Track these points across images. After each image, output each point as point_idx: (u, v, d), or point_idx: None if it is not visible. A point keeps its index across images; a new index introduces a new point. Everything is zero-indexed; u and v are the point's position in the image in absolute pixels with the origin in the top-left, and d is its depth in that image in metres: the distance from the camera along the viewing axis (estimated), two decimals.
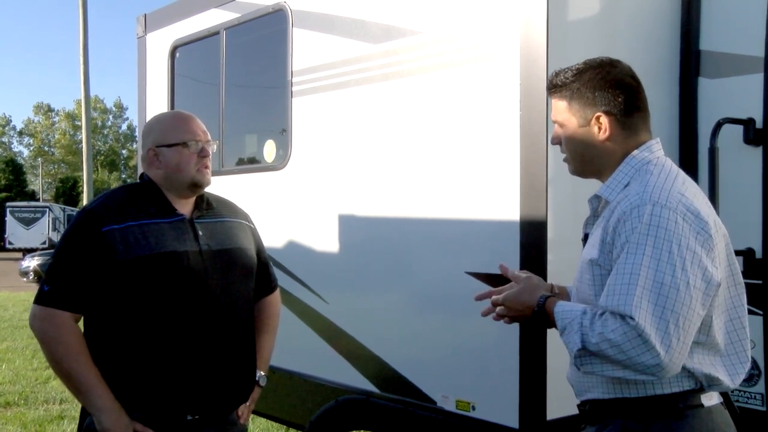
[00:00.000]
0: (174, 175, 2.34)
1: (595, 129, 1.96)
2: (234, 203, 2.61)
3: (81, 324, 2.29)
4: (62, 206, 41.43)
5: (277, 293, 2.71)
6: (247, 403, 2.50)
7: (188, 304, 2.25)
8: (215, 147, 2.44)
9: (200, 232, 2.34)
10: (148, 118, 4.97)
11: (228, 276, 2.35)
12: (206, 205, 2.43)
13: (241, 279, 2.41)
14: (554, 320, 1.88)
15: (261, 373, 2.55)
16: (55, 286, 2.21)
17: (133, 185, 2.44)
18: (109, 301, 2.23)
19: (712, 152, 2.75)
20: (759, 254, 2.76)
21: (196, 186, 2.36)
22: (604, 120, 1.95)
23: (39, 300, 2.22)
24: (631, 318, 1.70)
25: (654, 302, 1.71)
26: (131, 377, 2.23)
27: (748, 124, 2.79)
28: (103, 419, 2.18)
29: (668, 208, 1.77)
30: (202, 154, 2.35)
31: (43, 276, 2.25)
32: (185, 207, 2.38)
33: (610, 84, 1.95)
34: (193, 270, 2.27)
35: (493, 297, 2.03)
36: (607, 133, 1.95)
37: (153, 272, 2.21)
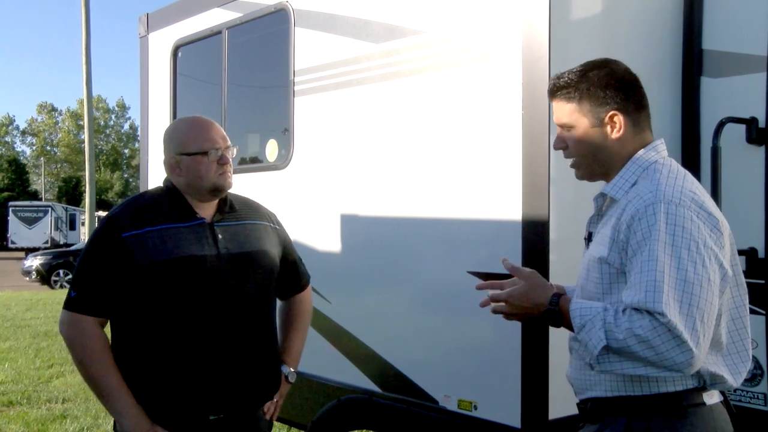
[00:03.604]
0: (195, 182, 2.36)
1: (608, 128, 1.95)
2: (259, 204, 2.62)
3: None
4: (64, 206, 41.45)
5: (308, 291, 2.73)
6: (274, 399, 2.54)
7: (205, 307, 2.28)
8: (235, 151, 2.46)
9: (219, 236, 2.36)
10: (151, 117, 5.01)
11: (247, 278, 2.37)
12: (229, 208, 2.44)
13: (261, 281, 2.43)
14: (569, 318, 1.86)
15: (290, 369, 2.58)
16: (81, 292, 2.26)
17: (156, 190, 2.48)
18: (132, 305, 2.27)
19: (715, 151, 2.74)
20: (761, 254, 2.75)
21: (217, 190, 2.38)
22: (619, 118, 1.94)
23: (67, 305, 2.27)
24: (661, 314, 1.70)
25: (680, 299, 1.71)
26: (154, 379, 2.26)
27: (750, 123, 2.78)
28: (124, 422, 2.23)
29: (683, 206, 1.78)
30: (222, 161, 2.36)
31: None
32: (207, 210, 2.40)
33: (618, 81, 1.95)
34: (210, 273, 2.29)
35: (493, 293, 2.00)
36: (621, 131, 1.95)
37: (171, 276, 2.24)
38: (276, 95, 4.04)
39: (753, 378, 2.76)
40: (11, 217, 37.12)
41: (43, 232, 36.75)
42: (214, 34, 4.39)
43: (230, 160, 2.40)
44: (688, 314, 1.71)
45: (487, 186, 2.88)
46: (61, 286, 19.72)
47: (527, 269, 2.03)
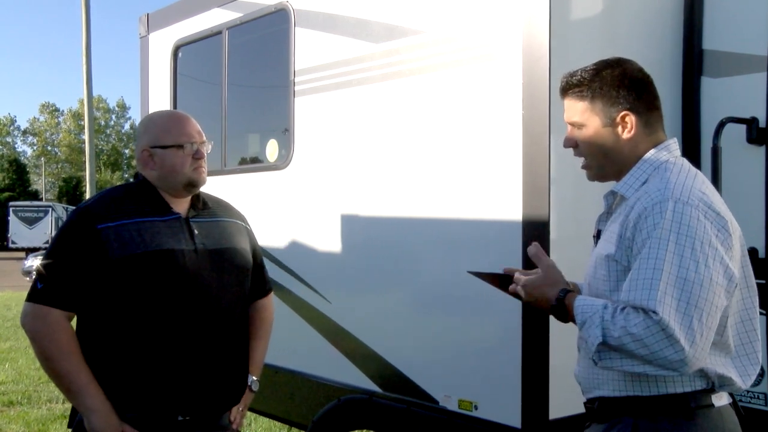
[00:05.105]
0: (169, 175, 2.32)
1: (619, 128, 1.95)
2: (230, 204, 2.59)
3: (74, 323, 2.27)
4: (65, 206, 41.46)
5: (270, 297, 2.68)
6: (240, 408, 2.47)
7: (182, 303, 2.24)
8: (210, 147, 2.43)
9: (196, 231, 2.33)
10: None
11: (223, 275, 2.34)
12: (202, 205, 2.41)
13: (236, 279, 2.40)
14: (573, 314, 1.87)
15: (253, 378, 2.52)
16: (49, 284, 2.18)
17: (128, 184, 2.43)
18: (103, 299, 2.21)
19: (715, 151, 2.74)
20: (762, 254, 2.75)
21: (191, 186, 2.35)
22: (630, 119, 1.94)
23: (31, 297, 2.19)
24: (654, 312, 1.70)
25: (678, 297, 1.71)
26: (123, 376, 2.20)
27: (751, 123, 2.78)
28: (93, 420, 2.16)
29: (690, 206, 1.78)
30: (197, 155, 2.33)
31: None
32: (181, 206, 2.36)
33: (631, 81, 1.95)
34: (188, 268, 2.25)
35: (516, 275, 2.03)
36: (633, 132, 1.94)
37: (148, 270, 2.19)
38: (276, 95, 4.04)
39: None
40: (12, 217, 37.14)
41: (44, 232, 36.72)
42: (215, 34, 4.39)
43: (205, 155, 2.37)
44: (686, 313, 1.70)
45: (487, 186, 2.88)
46: None
47: (548, 260, 2.03)
